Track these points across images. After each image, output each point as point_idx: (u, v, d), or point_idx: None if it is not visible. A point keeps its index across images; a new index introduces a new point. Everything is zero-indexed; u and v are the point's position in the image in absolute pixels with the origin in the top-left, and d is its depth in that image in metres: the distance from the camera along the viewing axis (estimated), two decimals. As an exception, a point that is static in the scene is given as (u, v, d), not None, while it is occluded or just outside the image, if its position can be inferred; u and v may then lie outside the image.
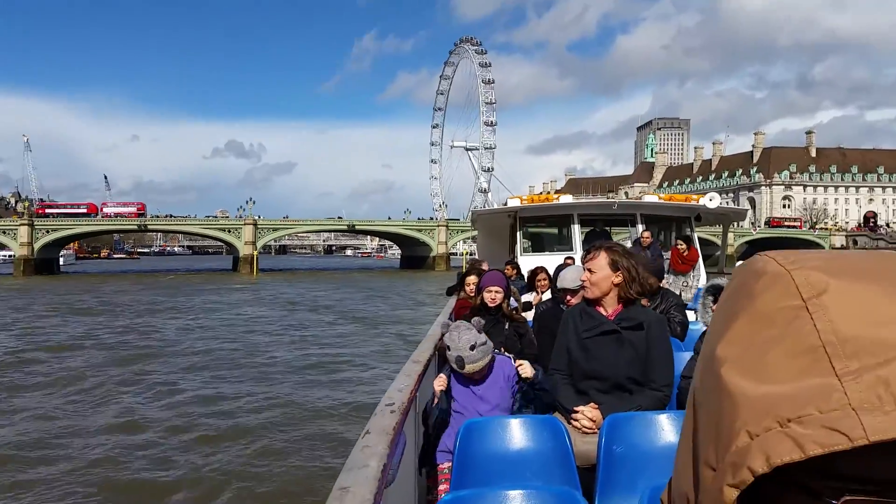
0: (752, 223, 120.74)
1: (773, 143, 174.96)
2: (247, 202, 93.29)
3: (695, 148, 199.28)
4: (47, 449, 11.07)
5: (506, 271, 8.69)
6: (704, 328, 5.16)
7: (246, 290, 52.05)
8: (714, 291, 4.27)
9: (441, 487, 3.55)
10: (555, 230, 14.30)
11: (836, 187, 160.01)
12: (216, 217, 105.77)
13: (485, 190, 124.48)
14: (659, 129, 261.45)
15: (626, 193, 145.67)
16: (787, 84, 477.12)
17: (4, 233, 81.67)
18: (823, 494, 0.45)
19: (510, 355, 3.98)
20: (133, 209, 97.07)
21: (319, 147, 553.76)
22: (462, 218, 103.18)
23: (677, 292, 9.30)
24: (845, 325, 0.45)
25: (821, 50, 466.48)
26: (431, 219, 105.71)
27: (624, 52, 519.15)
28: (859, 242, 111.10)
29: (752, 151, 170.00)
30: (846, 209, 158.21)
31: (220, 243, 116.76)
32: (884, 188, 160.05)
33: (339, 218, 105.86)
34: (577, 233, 12.62)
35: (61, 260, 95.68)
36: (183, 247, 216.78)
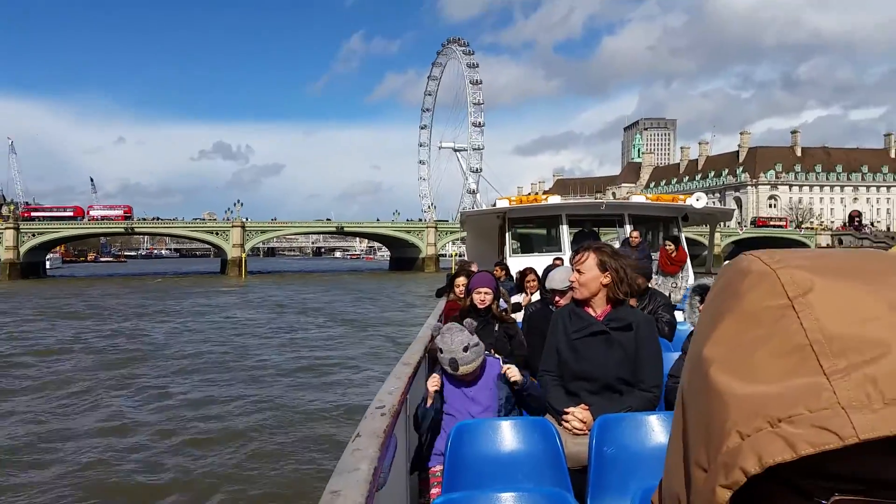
0: (739, 223, 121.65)
1: (758, 143, 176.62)
2: (234, 204, 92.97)
3: (681, 148, 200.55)
4: (37, 453, 10.98)
5: (495, 272, 8.70)
6: (692, 328, 5.19)
7: (234, 293, 51.81)
8: (701, 291, 4.30)
9: (433, 490, 3.55)
10: (543, 231, 14.34)
11: (822, 187, 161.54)
12: (203, 220, 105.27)
13: (473, 191, 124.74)
14: (645, 129, 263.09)
15: (614, 194, 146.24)
16: (773, 84, 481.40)
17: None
18: (814, 494, 0.45)
19: (499, 356, 3.98)
20: (120, 212, 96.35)
21: (307, 148, 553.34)
22: (451, 219, 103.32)
23: (667, 293, 9.36)
24: (832, 324, 0.45)
25: (805, 50, 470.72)
26: (420, 220, 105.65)
27: (610, 52, 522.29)
28: (844, 241, 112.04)
29: (738, 151, 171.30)
30: (831, 208, 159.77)
31: (207, 246, 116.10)
32: (868, 187, 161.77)
33: (328, 220, 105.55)
34: (565, 233, 12.67)
35: (47, 263, 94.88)
36: (170, 250, 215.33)
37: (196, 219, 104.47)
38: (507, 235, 13.03)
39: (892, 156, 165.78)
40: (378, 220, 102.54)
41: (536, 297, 7.40)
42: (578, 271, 3.63)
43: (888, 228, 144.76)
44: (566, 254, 11.33)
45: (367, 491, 1.97)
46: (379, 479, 2.20)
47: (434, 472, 3.64)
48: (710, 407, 0.47)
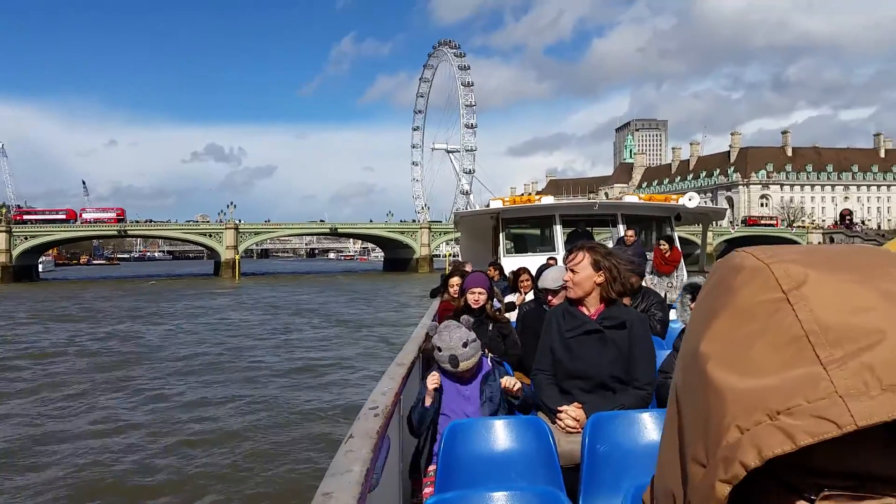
0: (731, 222, 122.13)
1: (749, 143, 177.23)
2: (228, 206, 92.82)
3: (672, 148, 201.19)
4: (32, 455, 10.95)
5: (489, 272, 8.71)
6: (683, 326, 5.20)
7: (228, 295, 51.64)
8: (692, 290, 4.31)
9: (426, 490, 3.54)
10: (537, 231, 14.36)
11: (812, 186, 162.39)
12: (197, 222, 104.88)
13: (466, 192, 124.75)
14: (637, 130, 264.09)
15: (607, 194, 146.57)
16: (763, 85, 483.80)
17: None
18: (804, 490, 0.45)
19: (490, 355, 3.97)
20: (112, 214, 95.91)
21: (300, 150, 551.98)
22: (444, 220, 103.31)
23: (662, 293, 9.39)
24: (826, 314, 0.45)
25: (794, 51, 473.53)
26: (414, 221, 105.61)
27: (600, 55, 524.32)
28: (836, 240, 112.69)
29: (729, 151, 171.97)
30: (822, 207, 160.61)
31: (200, 248, 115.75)
32: (858, 186, 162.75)
33: (322, 221, 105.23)
34: (559, 233, 12.69)
35: (40, 267, 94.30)
36: (163, 252, 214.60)
37: (189, 221, 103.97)
38: (501, 236, 13.04)
39: (882, 155, 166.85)
40: (371, 221, 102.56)
41: (530, 296, 7.41)
42: (572, 270, 3.64)
43: (879, 227, 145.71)
44: (560, 254, 11.35)
45: (360, 492, 1.96)
46: (371, 480, 2.19)
47: (427, 472, 3.63)
48: (708, 403, 0.47)
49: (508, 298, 8.06)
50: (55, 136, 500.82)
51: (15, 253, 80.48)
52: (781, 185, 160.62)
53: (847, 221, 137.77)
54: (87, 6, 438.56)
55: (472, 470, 3.09)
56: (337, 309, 38.01)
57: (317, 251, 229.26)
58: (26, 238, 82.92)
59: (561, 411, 3.48)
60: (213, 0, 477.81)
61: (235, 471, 10.15)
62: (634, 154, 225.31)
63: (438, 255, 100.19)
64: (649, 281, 10.34)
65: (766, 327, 0.47)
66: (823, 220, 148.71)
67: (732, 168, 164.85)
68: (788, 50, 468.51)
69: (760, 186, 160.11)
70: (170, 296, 50.31)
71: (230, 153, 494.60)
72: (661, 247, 11.27)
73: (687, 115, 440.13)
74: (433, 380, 3.60)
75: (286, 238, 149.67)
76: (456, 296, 6.48)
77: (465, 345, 3.58)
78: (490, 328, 5.14)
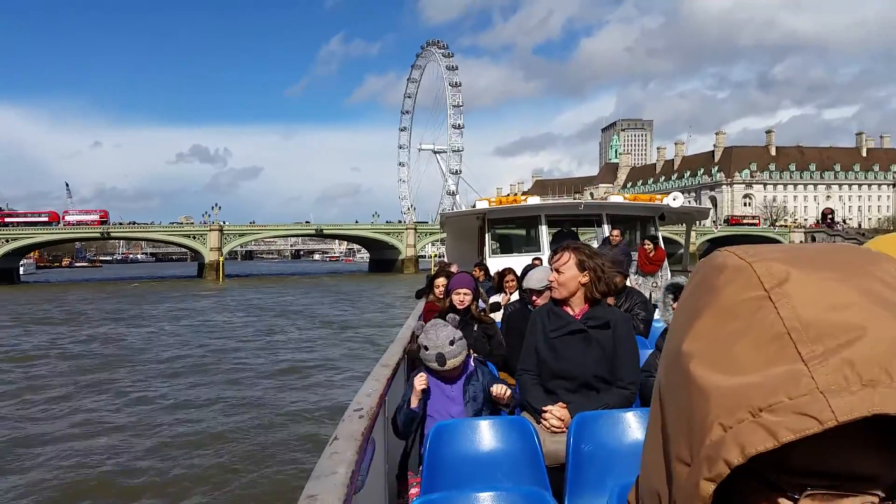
0: (714, 222, 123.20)
1: (735, 143, 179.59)
2: (212, 208, 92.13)
3: (657, 148, 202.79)
4: (14, 458, 10.86)
5: (474, 273, 8.71)
6: (666, 326, 5.23)
7: (212, 297, 51.27)
8: (674, 290, 4.34)
9: (412, 491, 3.54)
10: (523, 231, 14.39)
11: (795, 185, 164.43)
12: (181, 223, 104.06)
13: (453, 192, 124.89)
14: (623, 130, 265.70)
15: (592, 194, 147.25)
16: (748, 84, 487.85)
17: (-41, 243, 79.21)
18: (788, 489, 0.45)
19: (474, 355, 3.97)
20: (95, 217, 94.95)
21: (286, 151, 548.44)
22: (430, 220, 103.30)
23: (647, 293, 9.44)
24: (807, 311, 0.46)
25: (780, 50, 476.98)
26: (400, 222, 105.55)
27: (588, 54, 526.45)
28: (817, 239, 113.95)
29: (713, 151, 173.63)
30: (805, 206, 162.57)
31: (184, 250, 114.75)
32: (840, 185, 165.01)
33: (307, 222, 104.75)
34: (544, 234, 12.73)
35: (21, 269, 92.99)
36: (146, 254, 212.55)
37: (173, 223, 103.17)
38: (487, 236, 13.06)
39: (864, 154, 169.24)
40: (357, 222, 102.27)
41: (515, 296, 7.42)
42: (557, 271, 3.65)
43: (860, 225, 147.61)
44: (545, 254, 11.38)
45: (345, 494, 1.95)
46: (357, 482, 2.18)
47: (412, 474, 3.62)
48: (692, 401, 0.47)
49: (493, 299, 8.08)
50: (38, 137, 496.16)
51: (-4, 256, 79.49)
52: (765, 185, 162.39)
53: (829, 220, 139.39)
54: (71, 7, 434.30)
55: (457, 471, 3.09)
56: (322, 310, 37.86)
57: (302, 252, 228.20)
58: (7, 241, 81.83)
59: (546, 411, 3.49)
60: (201, 1, 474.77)
61: (220, 472, 10.09)
62: (620, 154, 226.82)
63: (424, 256, 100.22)
64: (634, 281, 10.39)
65: (748, 325, 0.47)
66: (806, 219, 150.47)
67: (716, 168, 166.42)
68: (775, 49, 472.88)
69: (744, 186, 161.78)
70: (153, 298, 49.87)
71: (216, 154, 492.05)
72: (646, 246, 11.33)
73: (673, 114, 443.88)
74: (420, 381, 3.55)
75: (271, 240, 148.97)
76: (441, 296, 6.48)
77: (451, 343, 3.57)
78: (475, 329, 5.14)
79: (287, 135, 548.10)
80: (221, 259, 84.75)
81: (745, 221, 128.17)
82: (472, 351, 4.11)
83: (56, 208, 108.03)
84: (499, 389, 3.56)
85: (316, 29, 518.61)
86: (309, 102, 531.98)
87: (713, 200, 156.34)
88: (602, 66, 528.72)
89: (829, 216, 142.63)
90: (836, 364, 0.43)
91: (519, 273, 7.47)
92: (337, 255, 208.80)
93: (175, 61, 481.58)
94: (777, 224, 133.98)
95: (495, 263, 11.06)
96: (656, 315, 6.72)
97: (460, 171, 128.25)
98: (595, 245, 11.94)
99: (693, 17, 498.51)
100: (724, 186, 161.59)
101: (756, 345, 0.46)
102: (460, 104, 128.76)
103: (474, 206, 13.83)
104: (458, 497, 2.46)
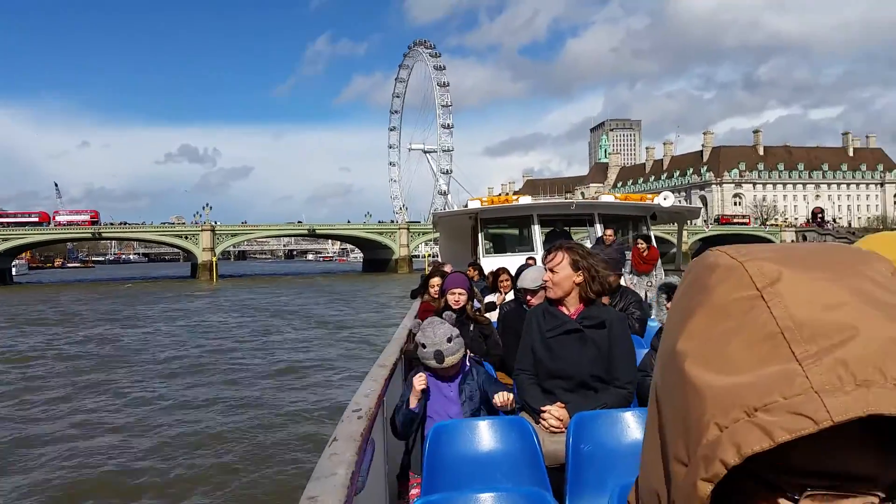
0: (704, 221, 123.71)
1: (722, 143, 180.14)
2: (203, 208, 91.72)
3: (646, 148, 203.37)
4: (13, 459, 10.83)
5: (468, 273, 8.72)
6: (660, 325, 5.26)
7: (206, 297, 51.09)
8: (667, 290, 4.37)
9: (412, 492, 3.54)
10: (515, 231, 14.42)
11: (784, 185, 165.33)
12: (172, 223, 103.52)
13: (444, 192, 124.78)
14: (611, 130, 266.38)
15: (583, 194, 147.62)
16: (734, 84, 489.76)
17: (-52, 244, 78.57)
18: (787, 490, 0.45)
19: (470, 355, 3.97)
20: (86, 217, 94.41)
21: (276, 151, 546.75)
22: (423, 220, 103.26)
23: (642, 293, 9.48)
24: (800, 311, 0.46)
25: (765, 51, 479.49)
26: (392, 221, 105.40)
27: (574, 55, 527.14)
28: (808, 238, 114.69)
29: (702, 151, 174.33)
30: (794, 205, 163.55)
31: (176, 250, 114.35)
32: (828, 185, 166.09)
33: (299, 222, 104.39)
34: (537, 233, 12.76)
35: (13, 270, 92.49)
36: (138, 254, 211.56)
37: (164, 223, 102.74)
38: (480, 236, 13.08)
39: (850, 154, 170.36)
40: (350, 221, 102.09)
41: (510, 296, 7.43)
42: (551, 270, 3.66)
43: (849, 224, 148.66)
44: (538, 253, 11.41)
45: (345, 496, 1.95)
46: (357, 483, 2.18)
47: (413, 475, 3.62)
48: (687, 401, 0.48)
49: (488, 298, 8.09)
50: (26, 137, 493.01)
51: (-15, 257, 78.94)
52: (754, 184, 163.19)
53: (819, 220, 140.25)
54: (58, 6, 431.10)
55: (457, 471, 3.09)
56: (317, 310, 37.78)
57: (295, 252, 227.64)
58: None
59: (544, 411, 3.49)
60: (186, 1, 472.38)
61: (220, 473, 10.06)
62: (609, 154, 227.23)
63: (418, 256, 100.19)
64: (628, 280, 10.43)
65: (741, 325, 0.47)
66: (796, 219, 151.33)
67: (705, 167, 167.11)
68: (760, 50, 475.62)
69: (733, 185, 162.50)
70: (147, 299, 49.65)
71: (204, 154, 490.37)
72: (640, 246, 11.37)
73: (660, 114, 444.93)
74: (420, 380, 3.51)
75: (263, 240, 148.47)
76: (436, 296, 6.48)
77: (449, 340, 3.57)
78: (471, 328, 5.14)
79: (278, 134, 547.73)
80: (215, 259, 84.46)
81: (735, 221, 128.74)
82: (468, 351, 4.11)
83: (46, 208, 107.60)
84: (502, 398, 3.47)
85: (302, 29, 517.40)
86: (297, 102, 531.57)
87: (703, 200, 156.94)
88: (588, 67, 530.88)
89: (819, 215, 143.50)
90: (830, 364, 0.43)
91: (513, 273, 7.49)
92: (330, 255, 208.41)
93: (161, 61, 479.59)
94: (768, 223, 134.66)
95: (489, 263, 11.08)
96: (651, 314, 6.74)
97: (451, 171, 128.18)
98: (588, 244, 11.97)
99: (678, 18, 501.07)
100: (713, 186, 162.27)
101: (749, 344, 0.46)
102: (449, 104, 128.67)
103: (466, 206, 13.84)
104: (458, 497, 2.46)
